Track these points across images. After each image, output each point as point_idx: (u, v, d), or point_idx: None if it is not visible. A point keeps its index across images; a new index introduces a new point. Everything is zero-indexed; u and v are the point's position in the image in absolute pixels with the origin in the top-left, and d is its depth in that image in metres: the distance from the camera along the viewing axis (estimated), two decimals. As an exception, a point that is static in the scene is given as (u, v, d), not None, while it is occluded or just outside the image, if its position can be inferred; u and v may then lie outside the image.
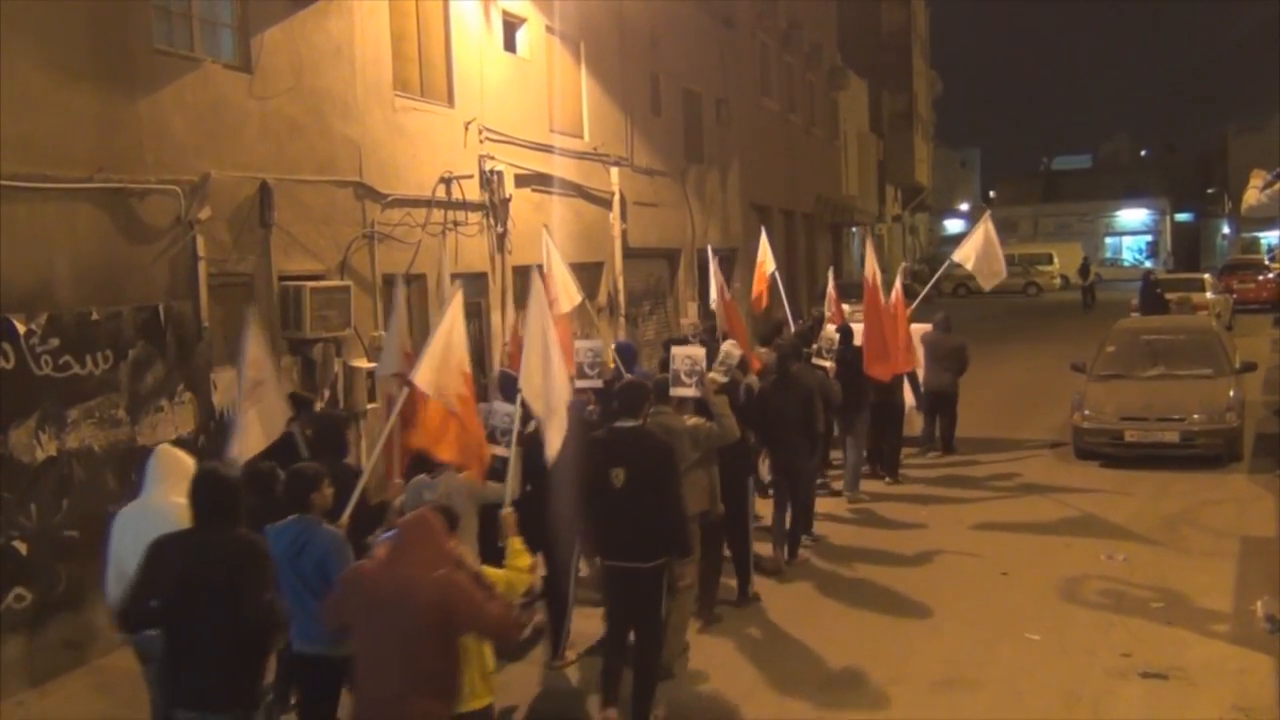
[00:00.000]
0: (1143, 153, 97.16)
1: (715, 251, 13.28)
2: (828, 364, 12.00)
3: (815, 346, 12.22)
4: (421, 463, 7.23)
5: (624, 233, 18.07)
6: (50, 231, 8.35)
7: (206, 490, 5.22)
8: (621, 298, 17.85)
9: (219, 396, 9.84)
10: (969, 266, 14.20)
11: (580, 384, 9.38)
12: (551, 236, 11.02)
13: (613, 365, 9.88)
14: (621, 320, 17.85)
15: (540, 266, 9.68)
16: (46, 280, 8.31)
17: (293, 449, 7.74)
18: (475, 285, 14.05)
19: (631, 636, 7.17)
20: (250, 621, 5.03)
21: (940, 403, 15.22)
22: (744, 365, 9.85)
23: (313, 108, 11.12)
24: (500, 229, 14.28)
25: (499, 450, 7.35)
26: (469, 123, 13.74)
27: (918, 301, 15.26)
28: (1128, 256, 66.28)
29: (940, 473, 14.42)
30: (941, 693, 7.58)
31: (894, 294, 13.27)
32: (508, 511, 6.24)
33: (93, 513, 8.54)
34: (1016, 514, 12.16)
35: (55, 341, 8.31)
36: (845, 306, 14.42)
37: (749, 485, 9.53)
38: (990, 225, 14.01)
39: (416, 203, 12.70)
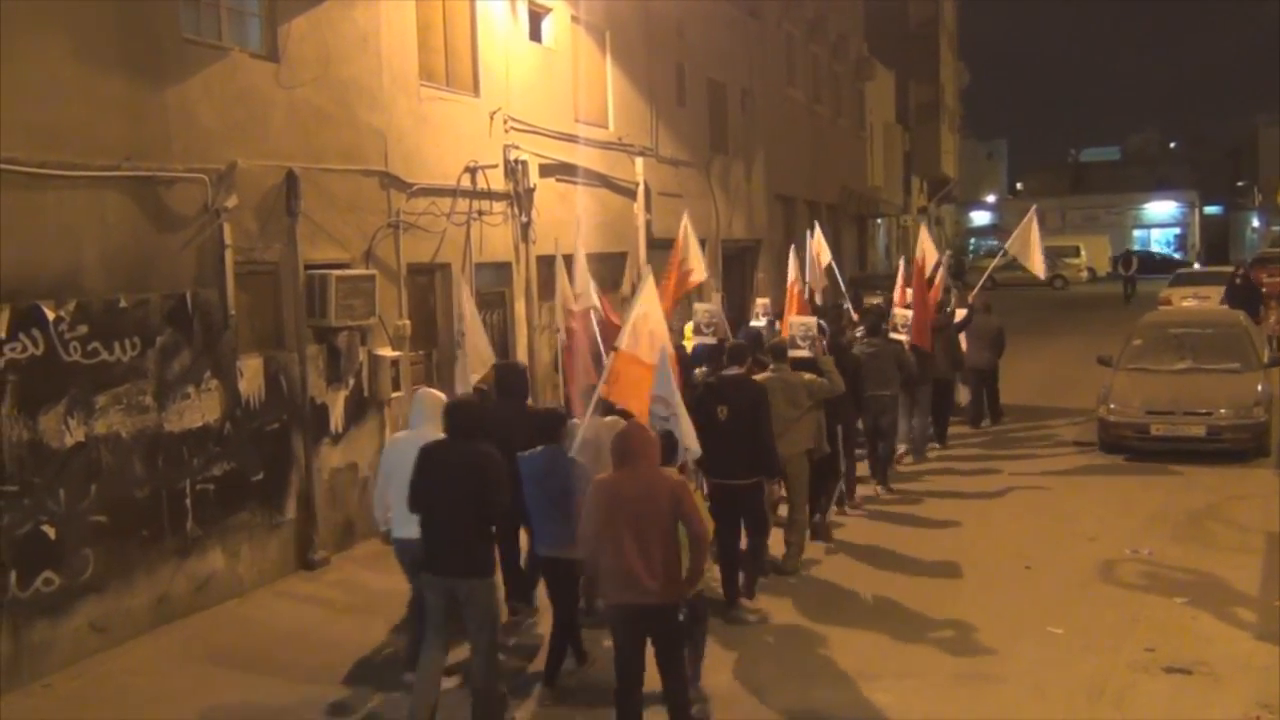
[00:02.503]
0: (1171, 145, 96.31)
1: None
2: (903, 337, 13.73)
3: (891, 322, 13.95)
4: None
5: (648, 223, 18.05)
6: (79, 219, 8.42)
7: (455, 414, 7.03)
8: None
9: (245, 384, 9.91)
10: (1025, 261, 15.90)
11: (697, 340, 11.86)
12: (690, 222, 13.60)
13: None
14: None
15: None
16: (75, 267, 8.38)
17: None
18: (499, 275, 14.09)
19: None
20: (487, 509, 6.76)
21: (982, 379, 16.51)
22: (822, 330, 11.37)
23: (339, 97, 11.16)
24: (525, 219, 14.30)
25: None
26: (494, 112, 13.75)
27: (976, 290, 16.99)
28: (1156, 250, 65.65)
29: (970, 462, 14.50)
30: (963, 686, 7.57)
31: (938, 279, 15.00)
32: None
33: (120, 498, 8.65)
34: (1041, 507, 12.14)
35: (84, 328, 8.39)
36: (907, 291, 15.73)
37: (838, 432, 11.07)
38: (1035, 220, 15.78)
39: (441, 192, 12.72)
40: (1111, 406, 14.33)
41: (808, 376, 10.04)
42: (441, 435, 7.14)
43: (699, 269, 13.05)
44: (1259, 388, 14.03)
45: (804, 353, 10.57)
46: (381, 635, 8.84)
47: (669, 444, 7.34)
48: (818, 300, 15.88)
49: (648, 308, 8.38)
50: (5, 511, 7.80)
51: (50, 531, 8.11)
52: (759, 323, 14.36)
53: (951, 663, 7.93)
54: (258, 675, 8.14)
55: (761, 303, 15.50)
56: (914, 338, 13.95)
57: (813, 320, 11.25)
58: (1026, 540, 10.86)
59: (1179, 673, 7.60)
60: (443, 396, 7.93)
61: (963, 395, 16.46)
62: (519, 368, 9.21)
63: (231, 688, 7.93)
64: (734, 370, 9.17)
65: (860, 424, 12.44)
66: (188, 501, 9.27)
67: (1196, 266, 39.90)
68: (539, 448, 7.59)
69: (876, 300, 17.43)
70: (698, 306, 12.96)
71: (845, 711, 7.28)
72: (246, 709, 7.62)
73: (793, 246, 15.05)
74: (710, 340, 12.04)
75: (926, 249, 14.75)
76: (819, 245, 15.87)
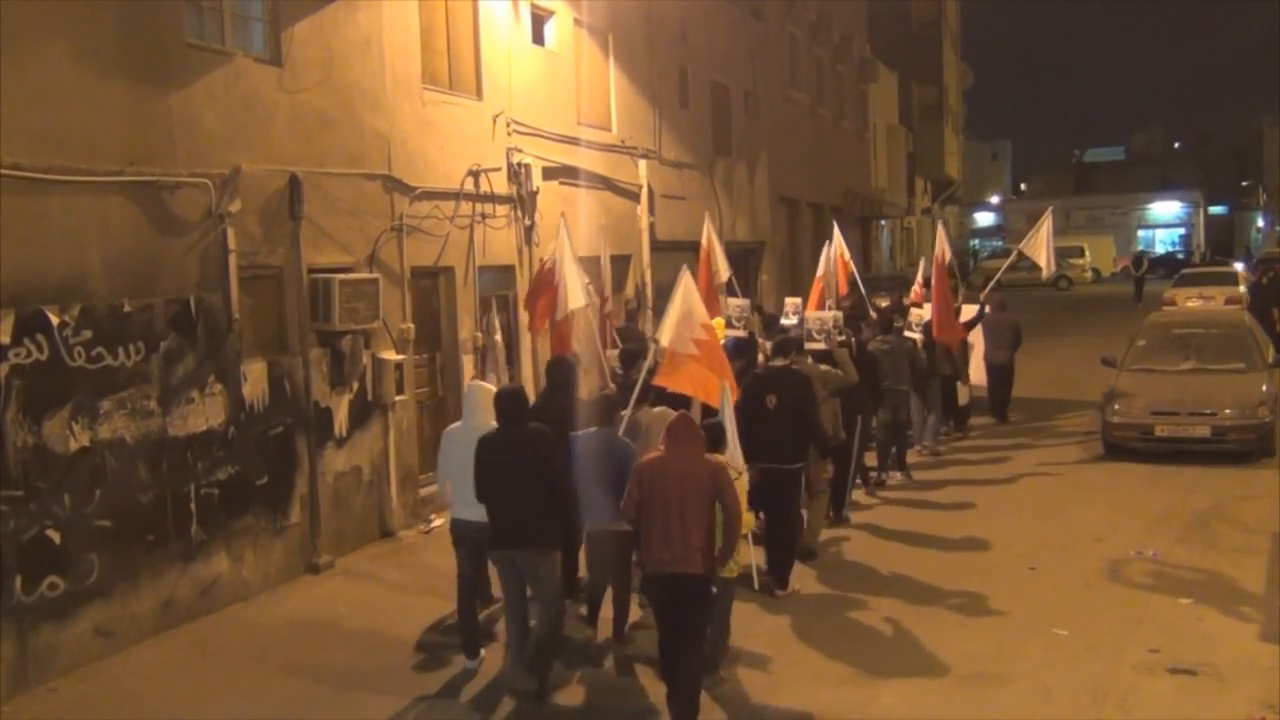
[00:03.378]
0: (1176, 145, 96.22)
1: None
2: (917, 336, 14.44)
3: (907, 321, 14.71)
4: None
5: (652, 225, 18.06)
6: (83, 224, 8.44)
7: (505, 402, 7.62)
8: (649, 290, 17.84)
9: (248, 388, 9.92)
10: (1038, 259, 15.91)
11: (729, 333, 12.40)
12: (713, 222, 14.75)
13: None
14: (649, 313, 17.84)
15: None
16: (79, 272, 8.40)
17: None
18: (503, 278, 14.10)
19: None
20: (552, 483, 7.34)
21: (998, 374, 17.12)
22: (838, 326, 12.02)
23: (342, 101, 11.17)
24: (528, 222, 14.31)
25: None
26: (497, 116, 13.76)
27: (986, 290, 17.29)
28: (1161, 250, 65.70)
29: (978, 456, 14.64)
30: (968, 687, 7.56)
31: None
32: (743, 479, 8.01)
33: (125, 502, 8.66)
34: (1045, 508, 12.13)
35: (88, 333, 8.41)
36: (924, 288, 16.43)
37: (857, 422, 11.61)
38: (1050, 221, 15.86)
39: (445, 195, 12.73)
40: (1116, 407, 14.31)
41: (823, 368, 10.67)
42: (490, 423, 7.80)
43: (722, 269, 14.22)
44: (1264, 388, 14.01)
45: (820, 346, 11.31)
46: (386, 638, 8.86)
47: (718, 433, 7.93)
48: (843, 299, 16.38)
49: (690, 305, 8.92)
50: (10, 516, 7.82)
51: (55, 536, 8.12)
52: (790, 320, 14.83)
53: (957, 663, 7.92)
54: (263, 679, 8.15)
55: (792, 302, 16.22)
56: (937, 333, 14.57)
57: (829, 315, 12.08)
58: (1032, 541, 10.85)
59: (1184, 674, 7.59)
60: (492, 389, 8.39)
61: (962, 394, 16.64)
62: (568, 361, 9.75)
63: (236, 691, 7.94)
64: (780, 362, 9.88)
65: (876, 417, 12.96)
66: (192, 506, 9.28)
67: (1239, 267, 38.33)
68: (591, 429, 8.23)
69: (886, 302, 17.99)
70: (730, 301, 14.25)
71: (850, 713, 7.27)
72: (251, 712, 7.63)
73: (826, 244, 15.76)
74: (741, 333, 12.83)
75: (944, 247, 15.44)
76: (839, 247, 16.44)
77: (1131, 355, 15.46)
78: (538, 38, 15.21)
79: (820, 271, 15.35)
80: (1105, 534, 10.96)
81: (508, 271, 14.16)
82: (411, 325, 12.05)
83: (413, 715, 7.50)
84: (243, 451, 9.81)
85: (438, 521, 11.99)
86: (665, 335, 8.81)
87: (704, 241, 14.19)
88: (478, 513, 7.68)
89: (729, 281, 15.02)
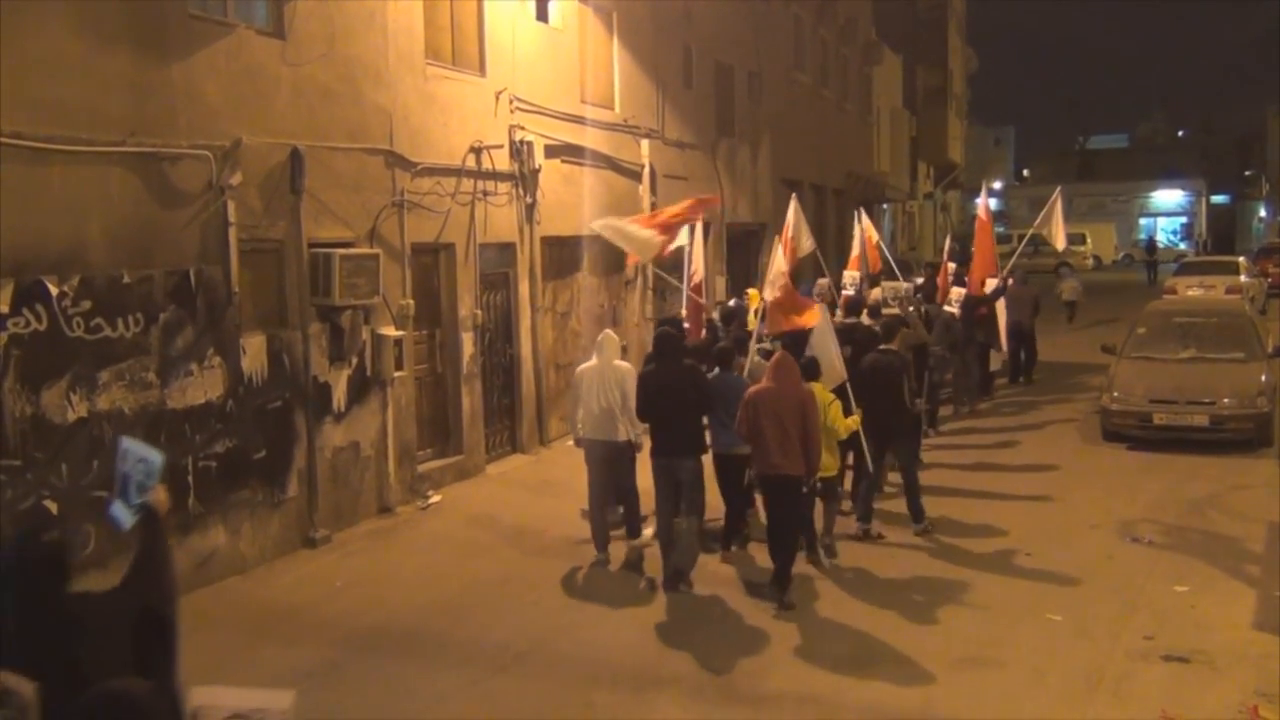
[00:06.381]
0: (1180, 133, 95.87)
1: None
2: (955, 310, 15.99)
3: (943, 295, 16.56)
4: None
5: (654, 205, 17.98)
6: (83, 194, 8.42)
7: (664, 341, 9.71)
8: (650, 270, 17.80)
9: (247, 361, 9.91)
10: (1051, 238, 17.80)
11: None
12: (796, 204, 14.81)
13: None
14: (649, 293, 17.83)
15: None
16: (79, 243, 8.38)
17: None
18: (504, 255, 14.07)
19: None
20: (699, 405, 9.40)
21: (1020, 340, 18.98)
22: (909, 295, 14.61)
23: (345, 75, 11.12)
24: (529, 199, 14.27)
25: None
26: (500, 92, 13.71)
27: (1008, 268, 18.36)
28: (1162, 238, 65.54)
29: (976, 449, 14.52)
30: (962, 671, 7.58)
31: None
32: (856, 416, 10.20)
33: (122, 474, 8.64)
34: (1042, 494, 12.13)
35: (87, 304, 8.40)
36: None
37: (924, 378, 13.23)
38: (1060, 201, 17.18)
39: (446, 172, 12.70)
40: (1115, 395, 14.32)
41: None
42: (618, 363, 9.93)
43: (805, 244, 14.84)
44: (1263, 377, 14.02)
45: (895, 310, 13.54)
46: (381, 613, 8.88)
47: (813, 366, 9.87)
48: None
49: (774, 260, 11.42)
50: (7, 486, 7.83)
51: (52, 507, 8.13)
52: (849, 291, 15.93)
53: (950, 648, 7.94)
54: (261, 650, 8.16)
55: (850, 275, 17.08)
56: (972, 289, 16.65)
57: (902, 285, 14.69)
58: (1028, 526, 10.87)
59: (1177, 661, 7.61)
60: (618, 339, 10.37)
61: (995, 360, 18.40)
62: (676, 321, 11.60)
63: (234, 663, 7.94)
64: (851, 319, 11.57)
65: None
66: (189, 478, 9.29)
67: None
68: (716, 371, 9.98)
69: (921, 279, 19.59)
70: (819, 282, 16.09)
71: (842, 695, 7.30)
72: (248, 685, 7.63)
73: (856, 223, 17.23)
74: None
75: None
76: (868, 227, 17.75)
77: (1131, 343, 15.46)
78: (542, 14, 15.12)
79: (855, 252, 16.87)
80: (1101, 520, 10.98)
81: (509, 249, 14.13)
82: (411, 301, 12.03)
83: (424, 689, 7.53)
84: (241, 425, 9.81)
85: (435, 498, 12.03)
86: (766, 291, 11.18)
87: (789, 217, 14.45)
88: (602, 433, 9.76)
89: (814, 255, 15.43)
